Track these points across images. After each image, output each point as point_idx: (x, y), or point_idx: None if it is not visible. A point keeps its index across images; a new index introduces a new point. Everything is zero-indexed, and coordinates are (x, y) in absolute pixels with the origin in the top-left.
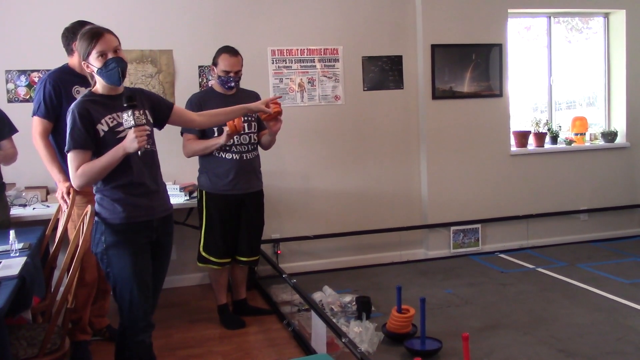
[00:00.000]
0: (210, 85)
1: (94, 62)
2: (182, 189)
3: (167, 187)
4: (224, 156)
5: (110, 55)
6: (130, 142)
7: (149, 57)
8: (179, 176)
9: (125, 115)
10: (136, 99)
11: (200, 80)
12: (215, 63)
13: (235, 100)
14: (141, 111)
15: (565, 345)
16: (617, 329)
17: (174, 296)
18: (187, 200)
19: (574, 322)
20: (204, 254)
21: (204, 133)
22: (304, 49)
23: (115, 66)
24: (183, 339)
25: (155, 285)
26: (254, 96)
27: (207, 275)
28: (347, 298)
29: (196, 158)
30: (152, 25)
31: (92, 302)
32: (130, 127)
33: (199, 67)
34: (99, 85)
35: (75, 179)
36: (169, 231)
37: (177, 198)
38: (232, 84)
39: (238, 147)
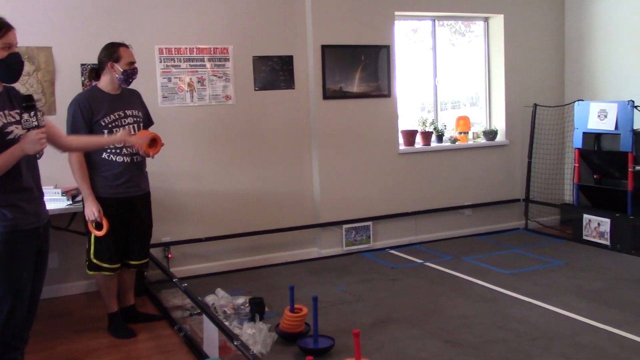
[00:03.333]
0: (94, 85)
1: None
2: (64, 193)
3: (48, 191)
4: (114, 159)
5: (15, 50)
6: (33, 144)
7: (25, 55)
8: (59, 180)
9: (26, 116)
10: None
11: (82, 79)
12: (116, 59)
13: (121, 99)
14: (41, 112)
15: (452, 336)
16: (499, 318)
17: (57, 306)
18: (69, 205)
19: (460, 314)
20: (95, 261)
21: (92, 133)
22: (193, 48)
23: (21, 61)
24: (67, 350)
25: (36, 296)
26: (136, 95)
27: (93, 283)
28: (240, 300)
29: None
30: (28, 20)
31: None
32: (30, 128)
33: (82, 65)
34: None
35: None
36: (48, 239)
37: (58, 203)
38: (136, 76)
39: (129, 149)
